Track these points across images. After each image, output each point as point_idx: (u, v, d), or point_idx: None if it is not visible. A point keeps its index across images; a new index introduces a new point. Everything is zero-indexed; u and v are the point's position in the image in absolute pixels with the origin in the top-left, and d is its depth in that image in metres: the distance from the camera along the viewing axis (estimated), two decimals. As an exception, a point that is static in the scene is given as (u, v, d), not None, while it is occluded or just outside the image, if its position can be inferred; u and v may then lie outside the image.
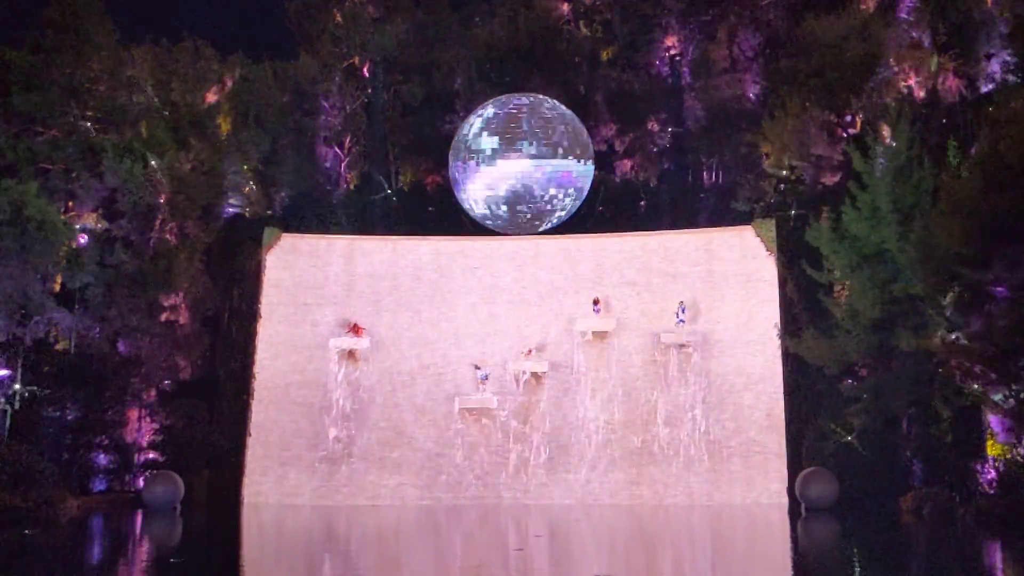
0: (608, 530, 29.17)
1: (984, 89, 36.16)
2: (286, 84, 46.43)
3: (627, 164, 47.55)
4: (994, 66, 35.86)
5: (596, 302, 38.37)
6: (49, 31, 37.62)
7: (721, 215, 42.45)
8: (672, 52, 48.24)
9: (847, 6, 39.11)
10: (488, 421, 37.86)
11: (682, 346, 37.66)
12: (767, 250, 38.32)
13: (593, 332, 38.32)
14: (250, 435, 37.87)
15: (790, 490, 35.10)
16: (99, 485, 35.47)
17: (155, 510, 33.28)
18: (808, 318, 35.87)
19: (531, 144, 40.55)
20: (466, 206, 42.10)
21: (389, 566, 21.88)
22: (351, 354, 38.51)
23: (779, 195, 39.96)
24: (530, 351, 38.21)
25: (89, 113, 37.43)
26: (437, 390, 38.45)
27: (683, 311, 37.61)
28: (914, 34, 37.79)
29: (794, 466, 35.39)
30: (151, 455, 36.14)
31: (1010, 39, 33.74)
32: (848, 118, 37.85)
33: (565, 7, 49.98)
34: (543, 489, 37.23)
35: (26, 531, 26.83)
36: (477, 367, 37.96)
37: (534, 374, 38.07)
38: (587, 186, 41.82)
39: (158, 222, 36.77)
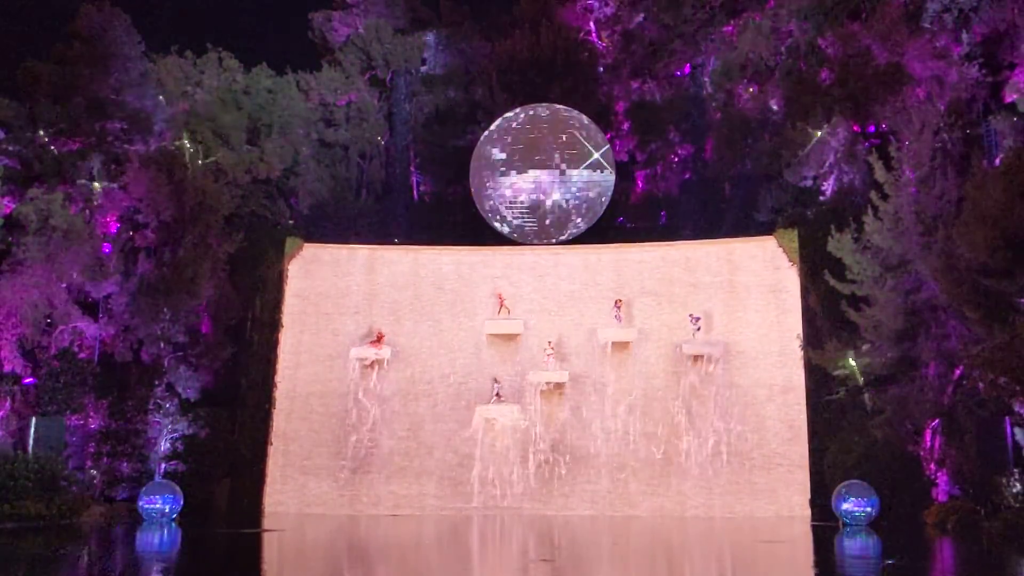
0: (629, 541, 29.04)
1: (1008, 99, 35.88)
2: (309, 95, 46.79)
3: (648, 174, 47.46)
4: (1018, 76, 35.58)
5: (618, 304, 38.28)
6: (75, 43, 38.10)
7: (743, 225, 42.27)
8: (693, 62, 48.18)
9: (871, 15, 38.93)
10: (509, 431, 37.76)
11: (699, 357, 37.52)
12: (789, 260, 38.12)
13: (614, 342, 38.21)
14: (271, 444, 38.07)
15: (812, 502, 34.91)
16: (122, 494, 35.63)
17: (151, 522, 32.31)
18: (831, 329, 35.59)
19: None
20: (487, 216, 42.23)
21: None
22: (372, 363, 38.58)
23: (801, 205, 39.75)
24: (550, 346, 38.18)
25: (115, 124, 37.82)
26: (458, 400, 38.44)
27: (696, 322, 37.61)
28: (938, 43, 37.52)
29: (816, 478, 35.17)
30: (173, 464, 36.29)
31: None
32: (871, 128, 37.64)
33: (586, 18, 50.05)
34: (564, 499, 37.13)
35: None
36: (497, 381, 37.94)
37: (554, 384, 37.98)
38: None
39: (181, 231, 37.02)
